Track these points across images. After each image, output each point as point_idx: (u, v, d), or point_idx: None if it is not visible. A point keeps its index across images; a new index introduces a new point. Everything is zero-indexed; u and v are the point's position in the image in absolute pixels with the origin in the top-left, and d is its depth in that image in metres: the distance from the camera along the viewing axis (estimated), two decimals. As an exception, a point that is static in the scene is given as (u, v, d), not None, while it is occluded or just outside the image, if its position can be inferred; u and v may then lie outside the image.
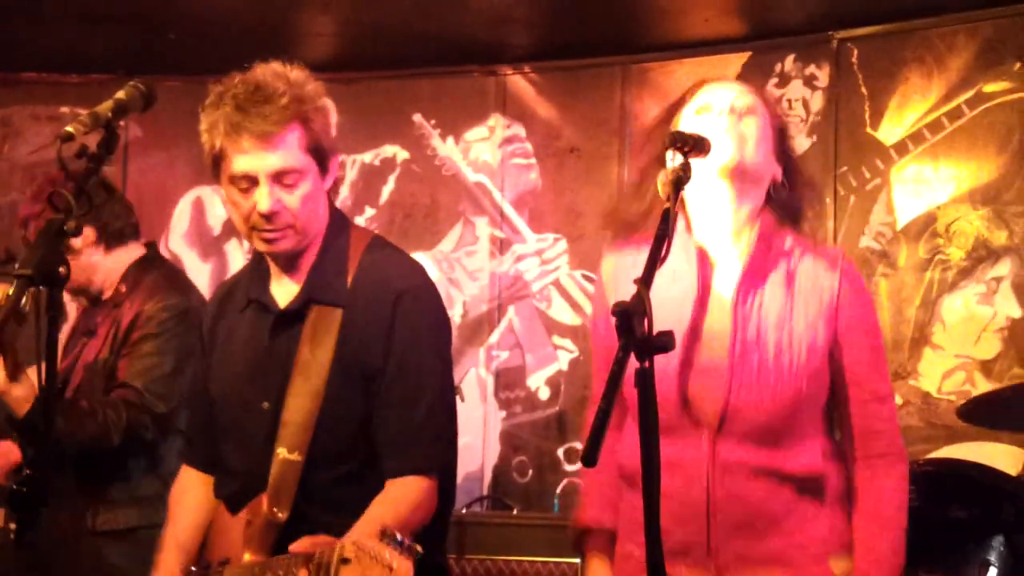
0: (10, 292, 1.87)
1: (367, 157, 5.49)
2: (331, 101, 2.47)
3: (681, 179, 2.07)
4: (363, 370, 2.40)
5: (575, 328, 5.19)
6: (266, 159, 2.33)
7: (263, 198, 2.34)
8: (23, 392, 2.92)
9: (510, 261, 5.31)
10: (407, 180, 5.45)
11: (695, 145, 2.11)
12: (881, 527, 2.23)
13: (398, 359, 2.39)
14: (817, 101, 4.81)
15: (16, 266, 1.94)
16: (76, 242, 3.19)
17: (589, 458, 1.74)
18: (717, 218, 2.27)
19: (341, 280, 2.45)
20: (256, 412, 2.45)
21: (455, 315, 5.25)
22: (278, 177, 2.35)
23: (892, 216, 4.64)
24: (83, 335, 3.39)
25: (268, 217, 2.36)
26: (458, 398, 2.77)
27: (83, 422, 3.08)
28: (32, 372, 2.78)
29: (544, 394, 5.20)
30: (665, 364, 2.13)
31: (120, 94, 2.12)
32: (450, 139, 5.42)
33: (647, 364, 1.83)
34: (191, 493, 2.63)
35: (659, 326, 1.84)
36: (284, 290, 2.50)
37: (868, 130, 4.71)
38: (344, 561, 2.01)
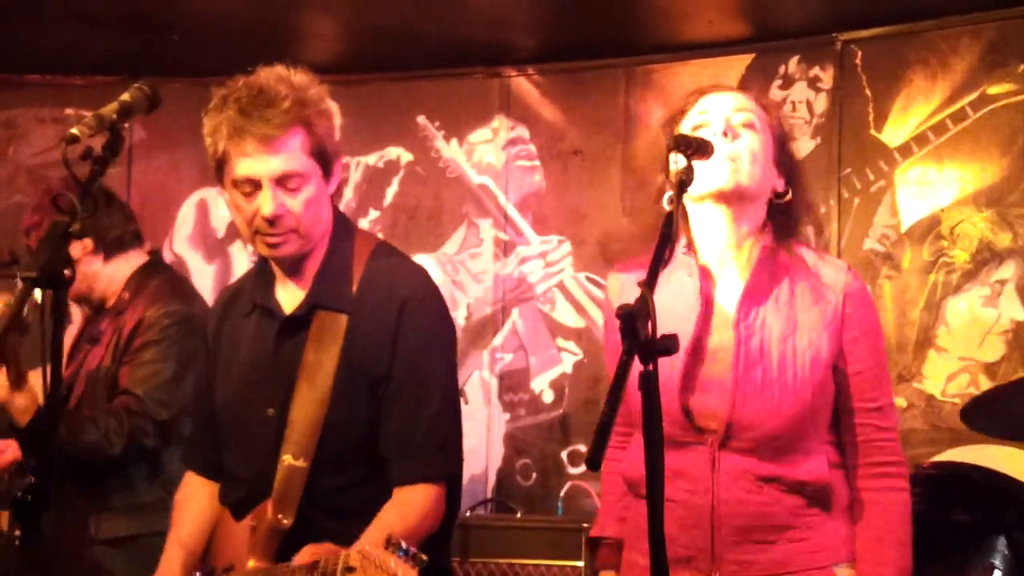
0: (11, 301, 1.87)
1: (371, 159, 5.49)
2: (335, 103, 2.47)
3: (684, 182, 2.08)
4: (368, 376, 2.40)
5: (579, 330, 5.19)
6: (269, 163, 2.33)
7: (266, 202, 2.34)
8: (25, 402, 2.92)
9: (514, 263, 5.31)
10: (411, 182, 5.45)
11: (698, 148, 2.12)
12: (891, 547, 2.23)
13: (404, 366, 2.39)
14: (821, 103, 4.81)
15: (21, 268, 1.94)
16: (75, 251, 3.17)
17: (593, 461, 1.75)
18: (717, 238, 2.29)
19: (347, 286, 2.45)
20: (261, 418, 2.45)
21: (459, 317, 5.25)
22: (281, 181, 2.35)
23: (896, 218, 4.64)
24: (87, 343, 3.39)
25: (271, 221, 2.35)
26: (462, 401, 2.77)
27: (84, 431, 3.08)
28: (35, 379, 2.78)
29: (548, 397, 5.20)
30: (669, 378, 2.14)
31: (125, 96, 2.12)
32: (454, 141, 5.42)
33: (651, 367, 1.84)
34: (196, 498, 2.63)
35: (662, 339, 1.85)
36: (289, 295, 2.49)
37: (872, 132, 4.71)
38: (349, 570, 2.01)
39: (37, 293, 1.89)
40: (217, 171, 2.41)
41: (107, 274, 3.36)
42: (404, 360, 2.39)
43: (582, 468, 4.92)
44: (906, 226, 4.62)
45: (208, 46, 5.05)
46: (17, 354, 2.87)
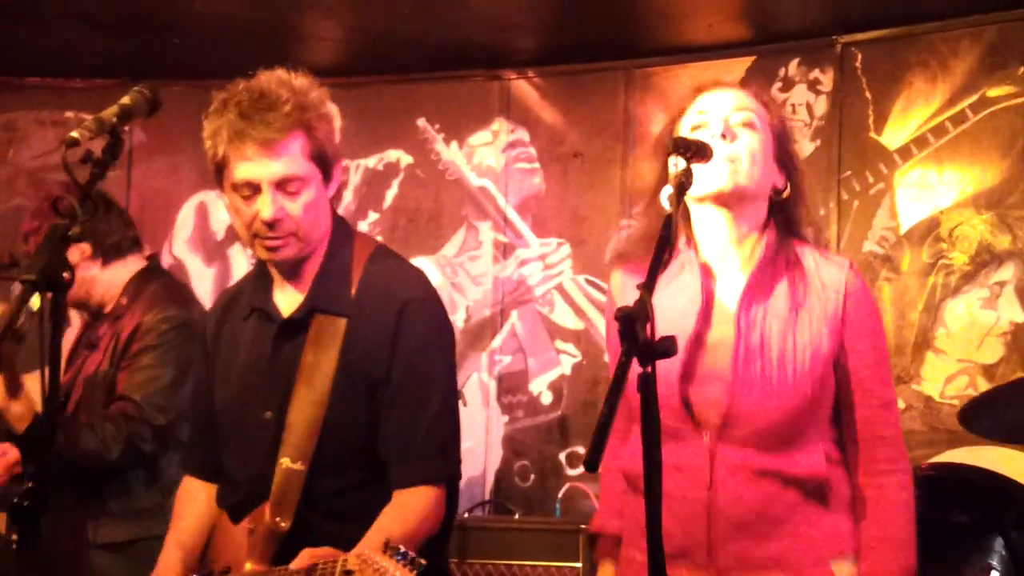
0: (8, 307, 1.88)
1: (371, 162, 5.49)
2: (335, 106, 2.47)
3: (684, 185, 2.09)
4: (367, 380, 2.40)
5: (578, 332, 5.19)
6: (269, 166, 2.33)
7: (265, 206, 2.34)
8: (21, 409, 2.93)
9: (513, 266, 5.31)
10: (411, 185, 5.45)
11: (697, 151, 2.13)
12: (894, 545, 2.22)
13: (403, 368, 2.39)
14: (821, 105, 4.81)
15: (20, 271, 1.94)
16: (73, 256, 3.15)
17: (591, 463, 1.75)
18: (718, 236, 2.30)
19: (345, 290, 2.45)
20: (259, 421, 2.45)
21: (458, 320, 5.25)
22: (281, 185, 2.35)
23: (895, 220, 4.64)
24: (85, 348, 3.39)
25: (271, 225, 2.36)
26: (460, 403, 2.78)
27: (82, 436, 3.08)
28: (33, 384, 2.78)
29: (546, 398, 5.20)
30: (668, 371, 2.15)
31: (125, 99, 2.12)
32: (454, 144, 5.42)
33: (649, 369, 1.84)
34: (194, 499, 2.63)
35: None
36: (288, 299, 2.49)
37: (872, 134, 4.71)
38: (347, 573, 2.02)
39: (34, 300, 1.89)
40: (217, 174, 2.42)
41: (105, 279, 3.36)
42: (403, 362, 2.39)
43: (580, 470, 4.92)
44: (905, 228, 4.62)
45: (208, 48, 5.05)
46: (13, 361, 2.88)
